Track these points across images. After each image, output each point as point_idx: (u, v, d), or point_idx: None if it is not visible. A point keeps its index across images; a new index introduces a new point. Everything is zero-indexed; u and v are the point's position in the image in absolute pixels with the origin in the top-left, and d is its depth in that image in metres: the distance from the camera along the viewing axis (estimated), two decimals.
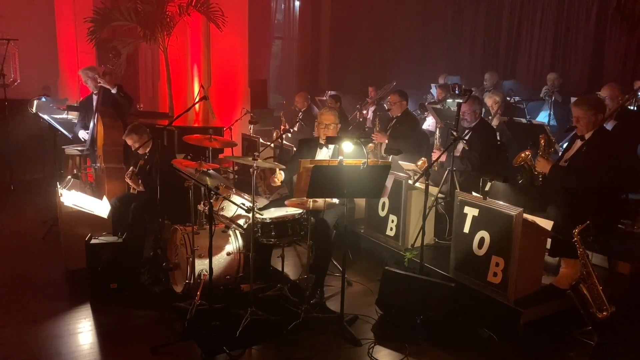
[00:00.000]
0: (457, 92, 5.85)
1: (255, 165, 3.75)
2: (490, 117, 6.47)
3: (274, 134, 8.33)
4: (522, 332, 3.55)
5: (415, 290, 3.72)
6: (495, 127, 6.29)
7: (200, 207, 4.12)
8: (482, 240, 3.85)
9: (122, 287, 4.15)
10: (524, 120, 5.78)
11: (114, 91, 5.87)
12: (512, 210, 3.63)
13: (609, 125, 5.08)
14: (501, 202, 3.82)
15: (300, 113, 7.68)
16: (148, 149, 4.79)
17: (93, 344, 3.50)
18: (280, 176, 4.31)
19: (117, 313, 3.91)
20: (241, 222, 4.01)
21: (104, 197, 4.77)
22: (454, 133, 4.38)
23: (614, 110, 5.23)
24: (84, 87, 6.64)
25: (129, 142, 4.83)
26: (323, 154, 4.40)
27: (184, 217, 4.39)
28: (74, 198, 4.55)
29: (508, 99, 7.24)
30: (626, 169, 4.46)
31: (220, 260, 4.02)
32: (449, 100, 6.97)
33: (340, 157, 3.37)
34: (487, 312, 3.76)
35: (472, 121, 4.97)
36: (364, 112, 8.83)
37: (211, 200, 3.45)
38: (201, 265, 3.88)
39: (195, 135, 4.27)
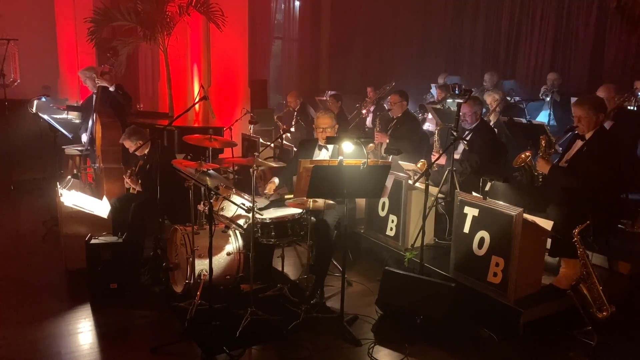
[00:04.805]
0: (457, 92, 5.84)
1: (254, 165, 3.75)
2: (487, 115, 6.47)
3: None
4: (522, 332, 3.55)
5: (415, 290, 3.72)
6: (491, 124, 6.30)
7: (200, 207, 4.12)
8: (482, 240, 3.85)
9: (122, 287, 4.15)
10: (524, 120, 5.78)
11: (111, 88, 5.83)
12: (512, 210, 3.63)
13: (606, 125, 5.08)
14: (501, 202, 3.82)
15: (295, 112, 7.67)
16: (147, 150, 4.79)
17: (93, 344, 3.50)
18: (272, 185, 4.33)
19: (117, 313, 3.90)
20: (241, 222, 4.01)
21: (104, 197, 4.77)
22: (454, 133, 4.38)
23: (610, 111, 5.23)
24: (84, 87, 6.63)
25: (126, 145, 4.84)
26: (322, 155, 4.40)
27: (184, 217, 4.39)
28: (74, 198, 4.55)
29: (508, 98, 7.23)
30: (626, 169, 4.45)
31: (220, 260, 4.02)
32: (449, 100, 6.97)
33: (340, 157, 3.37)
34: (487, 312, 3.76)
35: (473, 122, 4.95)
36: (364, 111, 8.82)
37: (211, 200, 3.45)
38: (201, 265, 3.88)
39: (195, 135, 4.27)
